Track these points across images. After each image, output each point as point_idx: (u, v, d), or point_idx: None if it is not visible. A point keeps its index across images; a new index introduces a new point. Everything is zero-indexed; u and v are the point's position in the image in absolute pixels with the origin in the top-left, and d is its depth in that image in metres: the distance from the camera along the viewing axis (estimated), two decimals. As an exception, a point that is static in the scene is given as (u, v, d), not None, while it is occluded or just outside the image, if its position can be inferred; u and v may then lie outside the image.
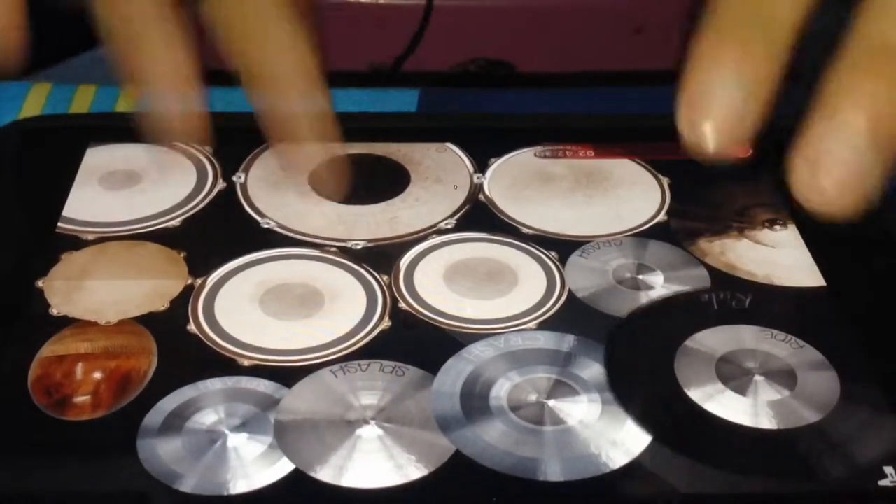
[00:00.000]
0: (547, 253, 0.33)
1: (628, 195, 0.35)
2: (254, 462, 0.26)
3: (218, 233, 0.34)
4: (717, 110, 0.26)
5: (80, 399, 0.28)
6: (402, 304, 0.31)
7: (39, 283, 0.31)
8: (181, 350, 0.29)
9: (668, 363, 0.29)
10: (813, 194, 0.25)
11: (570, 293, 0.31)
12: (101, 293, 0.31)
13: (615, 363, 0.29)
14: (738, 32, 0.26)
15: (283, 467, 0.26)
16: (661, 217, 0.34)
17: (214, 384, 0.28)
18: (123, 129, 0.38)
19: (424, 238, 0.33)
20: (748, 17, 0.26)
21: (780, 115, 0.35)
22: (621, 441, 0.27)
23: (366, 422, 0.27)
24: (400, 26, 0.75)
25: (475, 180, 0.36)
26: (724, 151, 0.26)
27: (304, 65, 0.32)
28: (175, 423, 0.27)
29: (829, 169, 0.25)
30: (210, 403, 0.28)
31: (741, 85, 0.26)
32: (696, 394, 0.28)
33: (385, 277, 0.32)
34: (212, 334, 0.30)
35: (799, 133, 0.26)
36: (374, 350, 0.29)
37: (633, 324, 0.30)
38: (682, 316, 0.31)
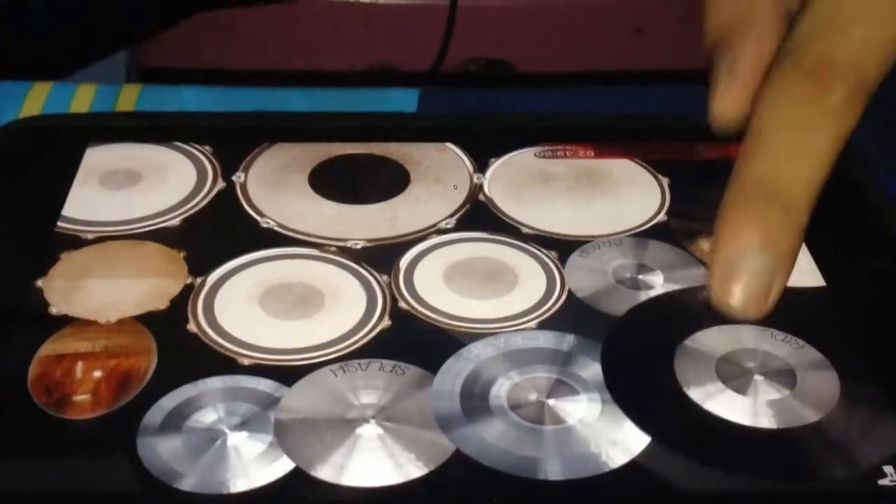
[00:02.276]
0: (547, 253, 0.33)
1: (628, 195, 0.35)
2: (254, 461, 0.26)
3: (218, 232, 0.34)
4: (746, 287, 0.30)
5: (80, 398, 0.28)
6: (401, 304, 0.31)
7: (39, 283, 0.31)
8: (181, 349, 0.29)
9: (667, 362, 0.29)
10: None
11: (570, 293, 0.31)
12: (100, 292, 0.31)
13: (615, 362, 0.29)
14: (760, 212, 0.30)
15: (283, 466, 0.26)
16: (662, 217, 0.35)
17: (214, 383, 0.28)
18: (123, 128, 0.38)
19: (424, 238, 0.33)
20: (767, 192, 0.30)
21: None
22: (621, 440, 0.27)
23: (366, 420, 0.27)
24: (401, 26, 0.75)
25: (475, 180, 0.36)
26: (752, 317, 0.30)
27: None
28: (175, 421, 0.27)
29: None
30: (210, 402, 0.28)
31: (767, 262, 0.29)
32: (695, 393, 0.28)
33: (385, 277, 0.32)
34: (212, 333, 0.30)
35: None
36: (374, 349, 0.29)
37: (633, 323, 0.30)
38: (682, 315, 0.31)
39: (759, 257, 0.30)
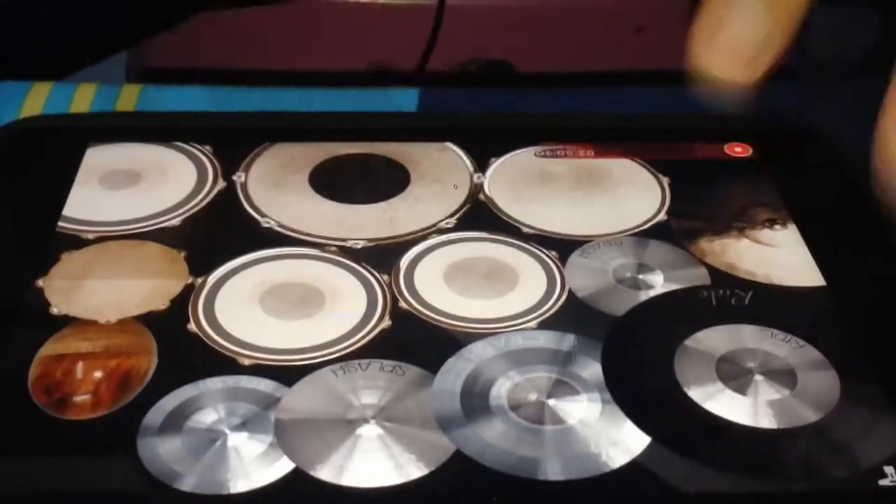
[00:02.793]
0: (547, 252, 0.33)
1: (628, 195, 0.35)
2: (254, 461, 0.26)
3: (218, 232, 0.34)
4: (734, 44, 0.26)
5: (81, 398, 0.28)
6: (402, 304, 0.31)
7: (39, 283, 0.31)
8: (181, 349, 0.29)
9: (668, 362, 0.29)
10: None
11: (571, 293, 0.31)
12: (101, 292, 0.31)
13: (615, 362, 0.29)
14: None
15: (283, 466, 0.26)
16: (662, 217, 0.35)
17: (215, 383, 0.28)
18: (123, 128, 0.38)
19: (424, 237, 0.33)
20: None
21: (781, 114, 0.35)
22: (621, 440, 0.27)
23: (366, 421, 0.27)
24: (401, 26, 0.75)
25: (475, 180, 0.36)
26: (735, 83, 0.26)
27: None
28: (175, 422, 0.27)
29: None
30: (210, 402, 0.28)
31: (761, 22, 0.26)
32: (695, 393, 0.28)
33: (385, 277, 0.32)
34: (212, 333, 0.30)
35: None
36: (374, 349, 0.29)
37: (633, 323, 0.30)
38: (682, 315, 0.31)
39: (754, 6, 0.26)
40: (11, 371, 0.28)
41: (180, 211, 0.34)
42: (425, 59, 0.69)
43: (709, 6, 0.27)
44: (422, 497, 0.26)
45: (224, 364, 0.29)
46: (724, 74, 0.26)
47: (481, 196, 0.35)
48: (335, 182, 0.36)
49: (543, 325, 0.30)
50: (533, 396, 0.28)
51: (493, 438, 0.27)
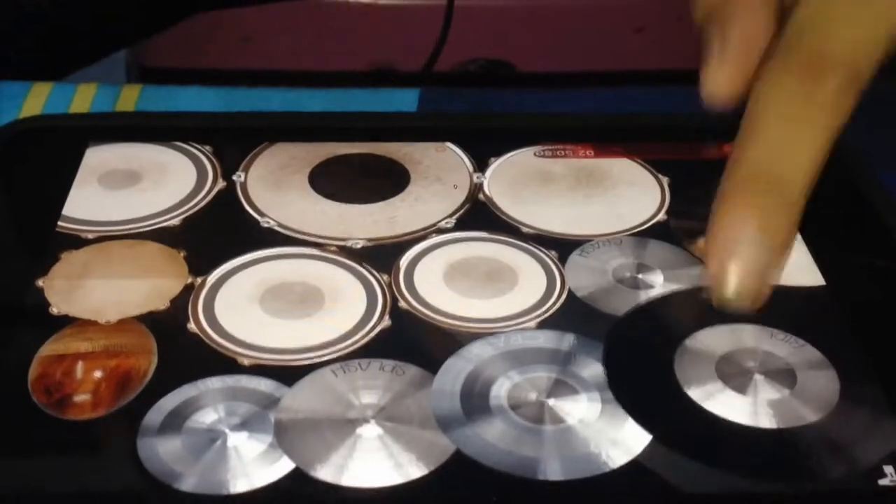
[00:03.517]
0: (547, 252, 0.33)
1: (628, 195, 0.35)
2: (254, 461, 0.26)
3: (218, 232, 0.34)
4: (743, 270, 0.29)
5: (80, 398, 0.28)
6: (402, 304, 0.31)
7: (39, 283, 0.31)
8: (181, 349, 0.29)
9: (667, 362, 0.29)
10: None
11: (570, 292, 0.31)
12: (101, 292, 0.31)
13: (615, 362, 0.29)
14: (756, 198, 0.29)
15: (283, 466, 0.26)
16: (661, 216, 0.35)
17: (214, 383, 0.28)
18: (123, 128, 0.38)
19: (424, 237, 0.33)
20: (763, 180, 0.29)
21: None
22: (621, 440, 0.27)
23: (366, 421, 0.27)
24: (401, 27, 0.75)
25: (475, 180, 0.36)
26: (747, 304, 0.29)
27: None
28: (175, 422, 0.27)
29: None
30: (210, 402, 0.28)
31: (764, 247, 0.29)
32: (695, 393, 0.28)
33: (385, 276, 0.32)
34: (212, 333, 0.30)
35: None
36: (374, 349, 0.29)
37: (633, 323, 0.30)
38: (682, 315, 0.31)
39: (755, 244, 0.29)
40: (11, 371, 0.28)
41: (180, 211, 0.34)
42: (433, 60, 0.69)
43: (713, 242, 0.29)
44: (422, 497, 0.26)
45: (224, 364, 0.29)
46: (739, 306, 0.29)
47: (481, 196, 0.35)
48: (335, 182, 0.36)
49: (543, 325, 0.30)
50: (533, 396, 0.28)
51: (493, 438, 0.27)
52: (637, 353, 0.30)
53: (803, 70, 0.30)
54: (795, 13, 0.32)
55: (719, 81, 0.32)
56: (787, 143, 0.30)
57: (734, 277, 0.29)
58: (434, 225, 0.34)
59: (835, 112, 0.31)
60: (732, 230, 0.29)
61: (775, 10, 0.33)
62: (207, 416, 0.27)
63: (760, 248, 0.29)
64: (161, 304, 0.31)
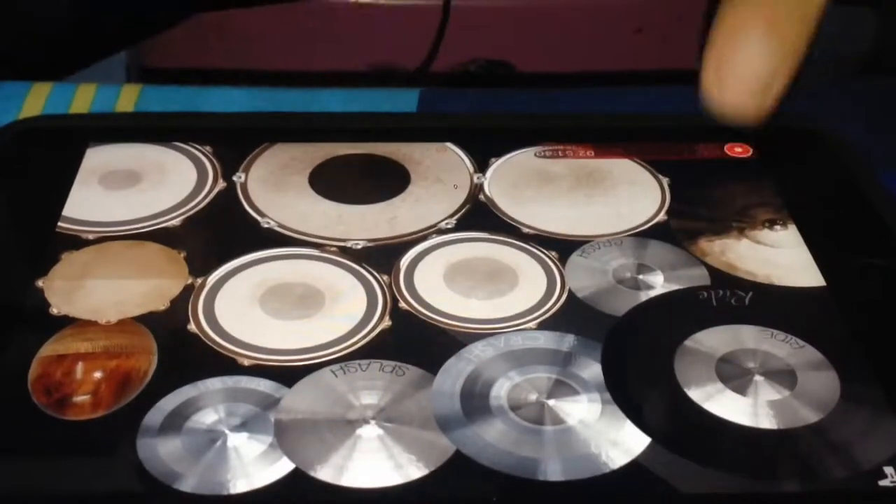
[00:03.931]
0: (547, 253, 0.33)
1: (628, 195, 0.35)
2: (254, 461, 0.26)
3: (218, 232, 0.34)
4: (744, 76, 0.27)
5: (80, 398, 0.28)
6: (402, 304, 0.31)
7: (39, 283, 0.31)
8: (181, 349, 0.29)
9: (667, 363, 0.29)
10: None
11: (571, 293, 0.31)
12: (101, 293, 0.31)
13: (615, 363, 0.29)
14: (765, 7, 0.27)
15: (283, 467, 0.26)
16: (661, 217, 0.35)
17: (214, 384, 0.28)
18: (123, 129, 0.38)
19: (425, 238, 0.33)
20: None
21: (781, 114, 0.35)
22: (621, 441, 0.27)
23: (366, 421, 0.27)
24: (401, 27, 0.75)
25: (475, 180, 0.36)
26: (745, 116, 0.27)
27: None
28: (175, 422, 0.27)
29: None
30: (210, 403, 0.28)
31: (768, 56, 0.27)
32: (695, 393, 0.28)
33: (385, 277, 0.32)
34: (212, 334, 0.30)
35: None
36: (374, 349, 0.29)
37: (633, 323, 0.30)
38: (682, 315, 0.31)
39: (762, 41, 0.27)
40: (11, 371, 0.28)
41: (180, 211, 0.34)
42: (429, 61, 0.69)
43: (716, 43, 0.27)
44: (422, 497, 0.26)
45: (224, 364, 0.29)
46: (736, 110, 0.26)
47: (481, 196, 0.35)
48: (335, 182, 0.36)
49: (543, 326, 0.30)
50: (533, 397, 0.28)
51: (493, 439, 0.27)
52: (637, 354, 0.30)
53: None
54: None
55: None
56: None
57: (735, 82, 0.27)
58: (434, 225, 0.34)
59: None
60: (737, 29, 0.27)
61: None
62: (207, 417, 0.27)
63: (767, 47, 0.27)
64: (161, 304, 0.31)
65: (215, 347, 0.29)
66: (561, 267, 0.32)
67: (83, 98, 0.44)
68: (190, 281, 0.32)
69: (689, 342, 0.30)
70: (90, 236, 0.33)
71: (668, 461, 0.27)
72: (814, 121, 0.37)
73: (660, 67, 0.72)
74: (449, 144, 0.37)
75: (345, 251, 0.33)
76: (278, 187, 0.35)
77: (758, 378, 0.29)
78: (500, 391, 0.28)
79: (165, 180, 0.36)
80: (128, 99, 0.43)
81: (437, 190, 0.35)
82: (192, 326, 0.30)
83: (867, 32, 0.59)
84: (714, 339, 0.30)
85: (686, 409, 0.28)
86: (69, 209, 0.34)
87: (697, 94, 0.28)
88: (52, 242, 0.33)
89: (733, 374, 0.29)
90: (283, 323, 0.30)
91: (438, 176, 0.36)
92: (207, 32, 0.73)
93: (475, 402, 0.28)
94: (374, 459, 0.26)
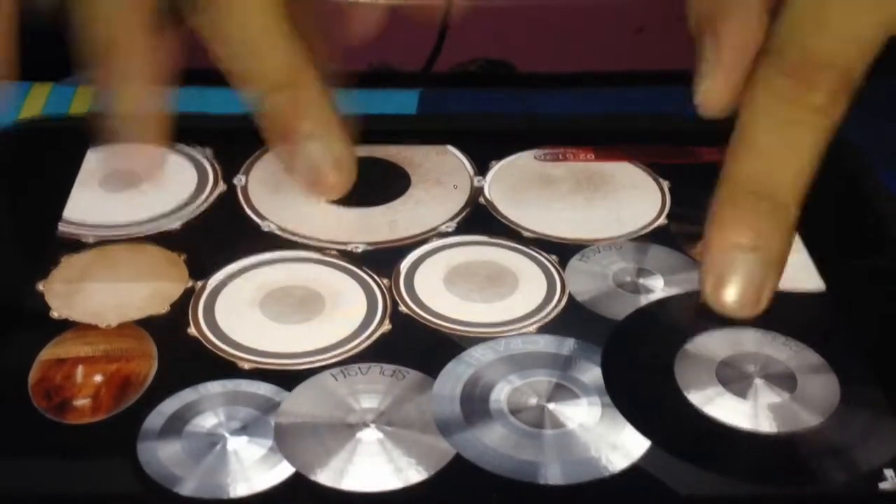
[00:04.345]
0: (547, 256, 0.33)
1: (629, 199, 0.35)
2: (254, 465, 0.26)
3: (218, 236, 0.34)
4: (739, 286, 0.30)
5: (80, 402, 0.28)
6: (402, 308, 0.31)
7: (39, 286, 0.31)
8: (181, 353, 0.29)
9: (668, 366, 0.29)
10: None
11: (571, 297, 0.31)
12: (101, 296, 0.31)
13: (615, 366, 0.29)
14: (750, 211, 0.30)
15: (283, 470, 0.26)
16: (662, 221, 0.35)
17: (215, 387, 0.28)
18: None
19: (425, 241, 0.33)
20: (756, 191, 0.30)
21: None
22: (621, 444, 0.27)
23: (366, 425, 0.27)
24: (402, 27, 0.75)
25: (475, 183, 0.36)
26: (746, 315, 0.30)
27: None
28: (175, 426, 0.27)
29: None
30: (210, 406, 0.28)
31: (759, 260, 0.30)
32: (696, 397, 0.28)
33: (385, 280, 0.32)
34: (212, 337, 0.30)
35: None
36: (374, 353, 0.29)
37: (633, 327, 0.30)
38: (682, 319, 0.31)
39: (750, 256, 0.30)
40: (11, 375, 0.28)
41: (181, 214, 0.34)
42: (431, 62, 0.69)
43: (710, 255, 0.31)
44: (422, 501, 0.26)
45: (224, 368, 0.29)
46: (737, 313, 0.31)
47: (481, 199, 0.35)
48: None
49: (543, 329, 0.30)
50: (533, 400, 0.28)
51: (493, 442, 0.27)
52: (637, 358, 0.30)
53: (794, 73, 0.31)
54: (784, 12, 0.32)
55: (713, 90, 0.32)
56: (779, 153, 0.31)
57: (732, 293, 0.30)
58: (434, 229, 0.34)
59: (827, 115, 0.31)
60: (727, 244, 0.30)
61: (767, 16, 0.33)
62: (207, 420, 0.27)
63: (756, 265, 0.30)
64: (161, 307, 0.31)
65: (215, 351, 0.29)
66: (561, 271, 0.32)
67: (83, 98, 0.43)
68: (190, 284, 0.32)
69: (689, 346, 0.30)
70: (90, 239, 0.33)
71: (669, 465, 0.27)
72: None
73: (660, 68, 0.72)
74: (449, 147, 0.37)
75: (345, 254, 0.33)
76: (279, 190, 0.35)
77: (758, 381, 0.29)
78: (500, 395, 0.28)
79: (166, 183, 0.36)
80: (128, 100, 0.43)
81: (437, 193, 0.35)
82: (192, 330, 0.30)
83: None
84: (714, 343, 0.30)
85: (686, 413, 0.28)
86: (69, 212, 0.34)
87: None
88: (53, 245, 0.33)
89: (733, 378, 0.29)
90: (284, 326, 0.30)
91: (439, 179, 0.36)
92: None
93: (475, 405, 0.28)
94: (374, 463, 0.26)
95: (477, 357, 0.29)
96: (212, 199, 0.35)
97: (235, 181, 0.36)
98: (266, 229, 0.34)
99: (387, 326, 0.30)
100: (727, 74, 0.32)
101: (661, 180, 0.36)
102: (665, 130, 0.38)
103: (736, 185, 0.30)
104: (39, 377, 0.28)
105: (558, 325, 0.30)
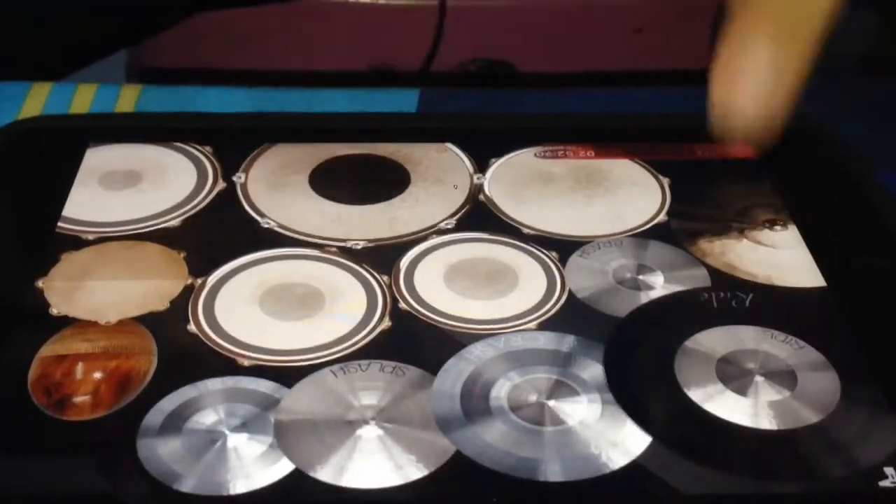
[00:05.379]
0: (547, 253, 0.33)
1: (628, 195, 0.35)
2: (254, 462, 0.26)
3: (218, 233, 0.34)
4: (749, 94, 0.28)
5: (80, 399, 0.28)
6: (402, 305, 0.31)
7: (39, 283, 0.31)
8: (181, 350, 0.29)
9: (668, 363, 0.29)
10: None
11: (571, 293, 0.31)
12: (101, 293, 0.31)
13: (615, 363, 0.29)
14: (771, 24, 0.28)
15: (283, 467, 0.26)
16: (662, 217, 0.34)
17: (214, 384, 0.28)
18: (123, 129, 0.38)
19: (425, 238, 0.33)
20: (780, 8, 0.28)
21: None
22: (621, 441, 0.27)
23: (366, 422, 0.27)
24: (402, 27, 0.75)
25: (475, 180, 0.36)
26: (752, 133, 0.28)
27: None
28: (175, 423, 0.27)
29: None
30: (210, 403, 0.28)
31: (773, 75, 0.28)
32: (696, 394, 0.28)
33: (385, 277, 0.32)
34: (212, 334, 0.30)
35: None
36: (374, 350, 0.29)
37: (634, 324, 0.30)
38: (683, 316, 0.31)
39: (764, 67, 0.28)
40: (11, 372, 0.28)
41: (180, 212, 0.34)
42: (428, 62, 0.69)
43: (725, 54, 0.28)
44: (422, 498, 0.26)
45: (224, 365, 0.29)
46: (746, 123, 0.28)
47: (481, 197, 0.35)
48: (335, 182, 0.36)
49: (543, 326, 0.30)
50: (533, 397, 0.28)
51: (493, 439, 0.27)
52: (637, 355, 0.30)
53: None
54: None
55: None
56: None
57: (742, 109, 0.28)
58: (434, 226, 0.34)
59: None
60: (741, 53, 0.28)
61: None
62: (207, 417, 0.27)
63: (771, 71, 0.28)
64: (161, 304, 0.31)
65: (215, 348, 0.29)
66: (561, 267, 0.32)
67: (83, 98, 0.43)
68: (190, 281, 0.32)
69: (689, 343, 0.30)
70: (90, 237, 0.33)
71: (669, 462, 0.27)
72: (814, 121, 0.37)
73: (660, 67, 0.72)
74: (449, 145, 0.37)
75: (345, 251, 0.33)
76: (278, 187, 0.35)
77: (758, 379, 0.29)
78: (501, 392, 0.28)
79: (165, 181, 0.36)
80: (128, 99, 0.43)
81: (437, 190, 0.35)
82: (191, 327, 0.30)
83: (867, 32, 0.59)
84: (714, 340, 0.30)
85: (686, 410, 0.28)
86: (69, 209, 0.34)
87: (706, 102, 0.29)
88: (52, 243, 0.33)
89: (734, 375, 0.29)
90: (283, 323, 0.30)
91: (438, 176, 0.36)
92: (207, 32, 0.73)
93: (475, 402, 0.28)
94: (374, 460, 0.26)
95: (477, 354, 0.29)
96: (211, 196, 0.35)
97: (235, 179, 0.36)
98: (265, 226, 0.34)
99: (387, 323, 0.30)
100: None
101: (661, 177, 0.36)
102: (665, 127, 0.38)
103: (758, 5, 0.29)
104: (39, 374, 0.28)
105: (558, 322, 0.30)
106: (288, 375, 0.28)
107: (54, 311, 0.30)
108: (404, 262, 0.32)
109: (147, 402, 0.28)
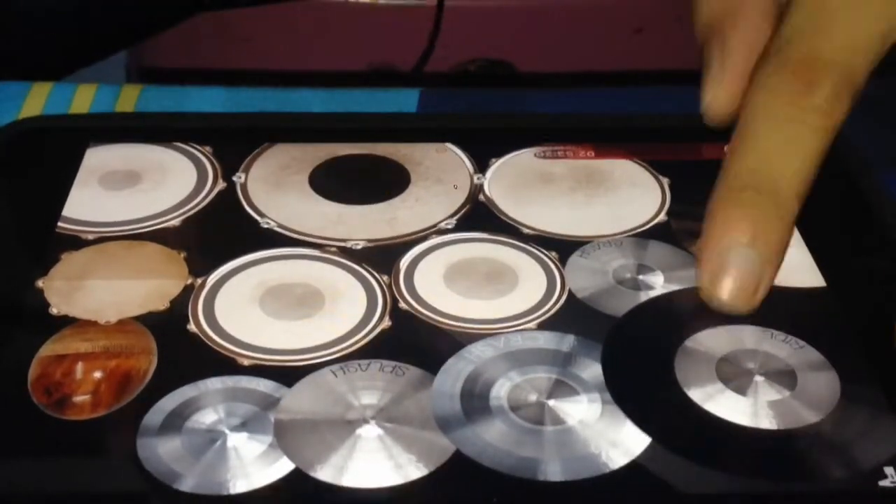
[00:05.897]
0: (547, 253, 0.33)
1: (628, 196, 0.35)
2: (254, 461, 0.26)
3: (218, 233, 0.34)
4: (735, 282, 0.30)
5: (80, 398, 0.28)
6: (402, 304, 0.31)
7: (39, 283, 0.31)
8: (181, 349, 0.29)
9: (668, 363, 0.29)
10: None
11: (571, 293, 0.31)
12: (101, 293, 0.31)
13: (615, 363, 0.29)
14: (749, 206, 0.30)
15: (282, 467, 0.26)
16: (662, 217, 0.35)
17: (214, 384, 0.28)
18: (123, 129, 0.38)
19: (425, 238, 0.33)
20: (756, 186, 0.30)
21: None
22: (621, 441, 0.27)
23: (366, 421, 0.27)
24: (401, 27, 0.75)
25: (475, 180, 0.36)
26: (741, 310, 0.30)
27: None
28: (175, 422, 0.27)
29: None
30: (210, 403, 0.28)
31: (756, 256, 0.30)
32: (696, 394, 0.28)
33: (385, 277, 0.32)
34: (212, 334, 0.30)
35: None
36: (374, 350, 0.29)
37: (633, 324, 0.30)
38: (683, 316, 0.31)
39: (747, 252, 0.30)
40: (11, 371, 0.28)
41: (180, 211, 0.34)
42: (423, 61, 0.69)
43: (707, 248, 0.31)
44: (421, 497, 0.26)
45: (224, 364, 0.29)
46: (734, 307, 0.30)
47: (481, 197, 0.35)
48: (335, 182, 0.36)
49: (543, 326, 0.30)
50: (533, 397, 0.28)
51: (492, 439, 0.27)
52: (637, 355, 0.30)
53: (797, 73, 0.31)
54: (790, 15, 0.32)
55: (718, 97, 0.32)
56: (780, 149, 0.30)
57: (728, 288, 0.30)
58: (434, 226, 0.34)
59: (829, 115, 0.30)
60: (725, 239, 0.30)
61: (774, 19, 0.33)
62: (207, 417, 0.27)
63: (753, 260, 0.30)
64: (161, 304, 0.31)
65: (215, 347, 0.29)
66: (561, 267, 0.32)
67: (83, 98, 0.44)
68: (190, 281, 0.32)
69: (689, 342, 0.30)
70: (90, 236, 0.33)
71: (668, 461, 0.27)
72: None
73: (660, 67, 0.72)
74: (449, 145, 0.37)
75: (345, 251, 0.33)
76: (278, 187, 0.35)
77: (758, 378, 0.29)
78: (500, 391, 0.28)
79: (165, 181, 0.36)
80: (128, 99, 0.43)
81: (437, 190, 0.35)
82: (191, 326, 0.30)
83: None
84: (714, 340, 0.30)
85: (686, 410, 0.28)
86: (69, 209, 0.34)
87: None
88: (52, 242, 0.33)
89: (733, 375, 0.29)
90: (283, 323, 0.30)
91: (439, 177, 0.36)
92: (207, 32, 0.73)
93: (475, 402, 0.28)
94: (373, 459, 0.26)
95: (477, 354, 0.29)
96: (211, 196, 0.35)
97: (235, 178, 0.36)
98: (265, 226, 0.34)
99: (387, 323, 0.30)
100: (735, 82, 0.32)
101: (661, 177, 0.36)
102: (665, 127, 0.39)
103: (735, 179, 0.30)
104: (39, 373, 0.28)
105: (558, 322, 0.30)
106: (288, 375, 0.28)
107: (54, 310, 0.31)
108: (404, 262, 0.32)
109: (147, 402, 0.28)
